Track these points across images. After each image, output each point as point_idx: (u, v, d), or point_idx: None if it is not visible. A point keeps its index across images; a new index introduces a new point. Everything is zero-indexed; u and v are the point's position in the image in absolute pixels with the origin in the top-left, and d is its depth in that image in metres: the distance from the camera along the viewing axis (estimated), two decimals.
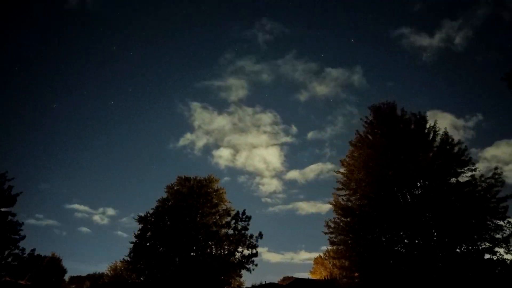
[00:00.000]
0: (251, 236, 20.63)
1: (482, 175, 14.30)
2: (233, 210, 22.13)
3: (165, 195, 22.92)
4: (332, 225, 16.08)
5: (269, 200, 79.51)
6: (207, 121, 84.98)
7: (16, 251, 17.44)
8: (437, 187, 14.43)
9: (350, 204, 16.21)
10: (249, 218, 21.20)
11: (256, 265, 20.13)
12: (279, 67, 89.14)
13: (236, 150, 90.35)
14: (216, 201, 22.45)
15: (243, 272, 20.68)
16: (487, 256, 13.28)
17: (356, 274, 15.11)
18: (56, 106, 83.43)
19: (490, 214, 13.66)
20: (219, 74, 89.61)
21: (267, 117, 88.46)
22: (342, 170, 17.08)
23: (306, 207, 77.36)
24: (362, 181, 16.05)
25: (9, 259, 17.23)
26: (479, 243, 13.55)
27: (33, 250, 18.29)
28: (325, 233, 16.16)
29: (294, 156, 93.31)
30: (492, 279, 12.75)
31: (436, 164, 14.94)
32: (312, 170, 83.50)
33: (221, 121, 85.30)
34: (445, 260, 13.56)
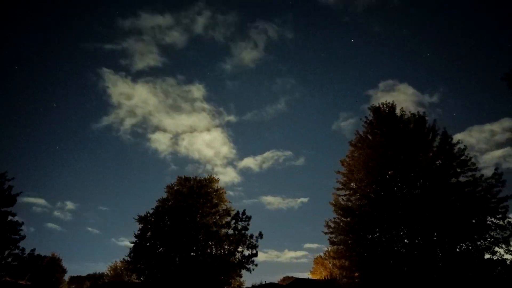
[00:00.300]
0: (251, 236, 20.64)
1: (482, 175, 14.32)
2: (233, 210, 22.14)
3: (165, 195, 22.96)
4: (332, 225, 16.09)
5: (231, 193, 73.05)
6: (127, 95, 70.83)
7: (16, 251, 17.45)
8: (437, 187, 14.43)
9: (350, 204, 16.22)
10: (249, 218, 21.22)
11: (256, 265, 20.14)
12: (192, 24, 71.85)
13: (173, 133, 77.22)
14: (216, 201, 22.46)
15: (243, 272, 20.72)
16: (487, 256, 13.30)
17: (356, 274, 15.12)
18: None
19: (490, 214, 13.68)
20: (107, 34, 72.11)
21: (197, 90, 75.16)
22: (342, 170, 17.09)
23: (273, 201, 71.31)
24: (362, 181, 16.05)
25: (9, 259, 17.24)
26: (479, 243, 13.56)
27: (33, 250, 18.32)
28: (325, 233, 16.19)
29: (241, 140, 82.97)
30: (492, 279, 12.75)
31: (436, 164, 14.96)
32: (267, 158, 75.51)
33: (142, 94, 71.72)
34: (445, 260, 13.57)
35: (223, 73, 77.79)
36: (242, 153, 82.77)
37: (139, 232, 21.13)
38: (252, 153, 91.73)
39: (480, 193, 14.02)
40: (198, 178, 23.23)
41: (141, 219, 21.33)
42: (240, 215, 21.23)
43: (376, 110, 17.12)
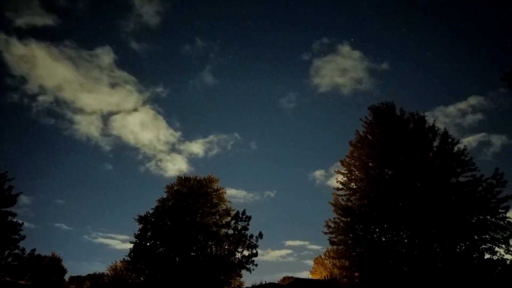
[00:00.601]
0: (251, 236, 20.66)
1: (482, 175, 14.31)
2: (233, 210, 22.16)
3: (164, 195, 22.97)
4: (332, 225, 16.09)
5: None
6: (28, 62, 57.78)
7: (16, 251, 17.46)
8: (437, 187, 14.42)
9: (350, 204, 16.20)
10: (249, 218, 21.23)
11: (256, 265, 20.15)
12: None
13: (98, 113, 65.56)
14: (216, 201, 22.47)
15: (243, 272, 20.72)
16: (487, 256, 13.30)
17: (356, 274, 15.10)
18: None
19: (491, 214, 13.67)
20: None
21: (106, 55, 62.03)
22: (342, 170, 17.08)
23: (236, 194, 64.23)
24: (362, 181, 16.05)
25: (9, 259, 17.24)
26: (479, 243, 13.55)
27: (33, 250, 18.34)
28: (325, 233, 16.19)
29: (177, 120, 71.35)
30: (492, 279, 12.75)
31: (436, 164, 14.94)
32: (213, 143, 66.47)
33: (46, 62, 58.62)
34: (445, 260, 13.55)
35: (122, 32, 62.77)
36: (184, 136, 71.76)
37: (139, 232, 21.14)
38: (194, 136, 79.69)
39: (480, 193, 14.00)
40: (198, 178, 23.28)
41: (141, 219, 21.36)
42: (240, 215, 21.25)
43: (376, 110, 17.13)
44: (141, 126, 67.82)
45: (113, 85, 66.14)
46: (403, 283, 13.58)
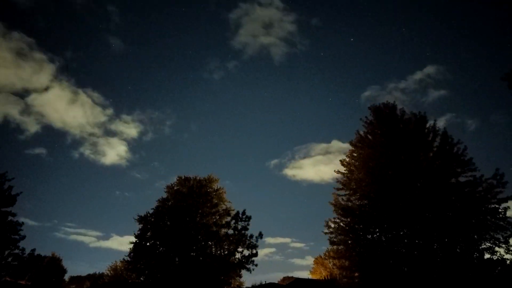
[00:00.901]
0: (251, 236, 20.66)
1: (482, 175, 14.32)
2: (233, 210, 22.17)
3: (165, 195, 22.98)
4: (332, 225, 16.11)
5: (139, 176, 57.19)
6: None
7: (16, 251, 17.44)
8: (437, 187, 14.43)
9: (350, 204, 16.20)
10: (249, 218, 21.23)
11: (256, 265, 20.16)
12: None
13: (11, 91, 58.64)
14: (216, 201, 22.48)
15: (243, 272, 20.72)
16: (487, 256, 13.31)
17: (356, 274, 15.11)
18: None
19: (491, 214, 13.68)
20: None
21: None
22: (342, 170, 17.08)
23: None
24: (362, 181, 16.04)
25: (9, 259, 17.23)
26: (479, 243, 13.57)
27: (33, 250, 18.31)
28: (325, 233, 16.20)
29: (99, 94, 64.04)
30: (492, 279, 12.76)
31: (436, 164, 14.95)
32: (146, 124, 59.28)
33: None
34: (445, 260, 13.56)
35: None
36: (115, 114, 64.47)
37: (139, 232, 21.15)
38: (123, 112, 71.43)
39: (480, 193, 14.02)
40: (198, 178, 23.31)
41: (141, 219, 21.36)
42: (240, 215, 21.25)
43: (376, 110, 17.13)
44: (63, 103, 61.14)
45: (17, 53, 57.35)
46: (403, 283, 13.59)
